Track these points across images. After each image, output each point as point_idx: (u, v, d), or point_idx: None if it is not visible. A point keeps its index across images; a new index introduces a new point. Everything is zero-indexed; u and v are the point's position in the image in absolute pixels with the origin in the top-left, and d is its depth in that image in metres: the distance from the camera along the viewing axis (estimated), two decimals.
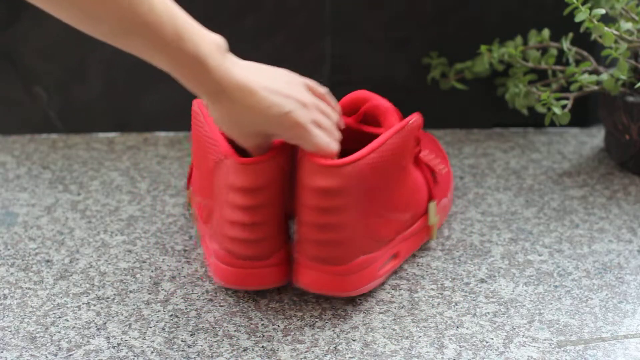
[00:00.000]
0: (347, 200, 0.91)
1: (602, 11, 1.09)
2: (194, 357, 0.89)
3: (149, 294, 0.97)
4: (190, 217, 1.07)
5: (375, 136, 1.01)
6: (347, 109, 1.01)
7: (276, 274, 0.95)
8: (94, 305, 0.95)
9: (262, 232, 0.92)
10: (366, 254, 0.94)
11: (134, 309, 0.95)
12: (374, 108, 0.99)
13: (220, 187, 0.92)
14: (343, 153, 1.05)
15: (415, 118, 0.96)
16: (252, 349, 0.90)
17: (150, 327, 0.93)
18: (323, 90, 0.95)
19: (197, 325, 0.93)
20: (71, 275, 1.00)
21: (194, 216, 1.04)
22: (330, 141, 0.91)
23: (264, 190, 0.91)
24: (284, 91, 0.89)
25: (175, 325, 0.93)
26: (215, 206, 0.94)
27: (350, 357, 0.89)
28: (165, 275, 1.00)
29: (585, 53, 1.19)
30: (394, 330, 0.93)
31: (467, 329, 0.93)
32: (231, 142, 1.03)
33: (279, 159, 0.92)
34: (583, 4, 1.18)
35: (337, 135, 0.93)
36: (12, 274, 1.00)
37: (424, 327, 0.93)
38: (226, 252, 0.94)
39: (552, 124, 1.28)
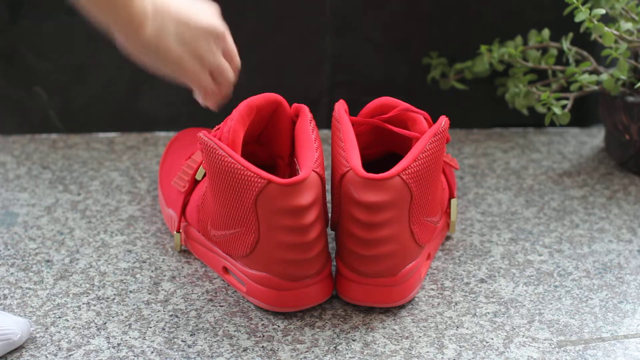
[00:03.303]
0: (395, 213, 0.91)
1: (602, 11, 1.09)
2: (194, 357, 0.89)
3: (149, 294, 0.97)
4: (175, 248, 1.04)
5: (401, 136, 1.00)
6: (374, 114, 1.00)
7: (326, 288, 0.94)
8: (94, 305, 0.95)
9: (316, 249, 0.91)
10: (411, 262, 0.94)
11: (134, 309, 0.95)
12: (403, 113, 0.98)
13: (267, 213, 0.89)
14: (369, 153, 1.04)
15: (445, 120, 0.95)
16: (252, 349, 0.90)
17: (150, 327, 0.93)
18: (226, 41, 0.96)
19: (197, 325, 0.93)
20: (71, 275, 1.00)
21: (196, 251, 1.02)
22: (206, 99, 0.96)
23: (313, 207, 0.90)
24: (191, 43, 0.91)
25: (175, 325, 0.93)
26: (260, 234, 0.91)
27: (350, 357, 0.89)
28: (165, 275, 1.00)
29: (585, 53, 1.19)
30: (394, 330, 0.93)
31: (467, 329, 0.93)
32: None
33: (320, 170, 0.91)
34: (583, 4, 1.18)
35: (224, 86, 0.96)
36: (12, 274, 1.00)
37: (424, 327, 0.93)
38: (279, 277, 0.92)
39: (552, 124, 1.27)
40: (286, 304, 0.93)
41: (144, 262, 1.02)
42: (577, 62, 1.23)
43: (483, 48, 1.20)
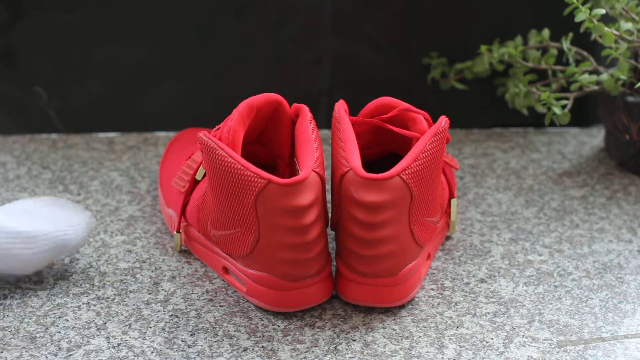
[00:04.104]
0: (395, 213, 0.90)
1: (602, 11, 1.09)
2: (194, 357, 0.89)
3: (149, 294, 0.97)
4: (175, 248, 1.04)
5: (401, 136, 1.00)
6: (374, 114, 1.00)
7: (326, 288, 0.94)
8: (94, 305, 0.95)
9: (316, 249, 0.91)
10: (411, 262, 0.94)
11: (134, 309, 0.95)
12: (403, 113, 0.98)
13: (267, 213, 0.89)
14: (369, 153, 1.05)
15: (445, 120, 0.95)
16: (252, 349, 0.90)
17: (150, 327, 0.93)
18: None
19: (197, 325, 0.93)
20: (71, 275, 1.00)
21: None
22: None
23: (313, 207, 0.90)
24: None
25: (175, 325, 0.93)
26: (260, 234, 0.91)
27: (350, 357, 0.89)
28: (165, 275, 1.00)
29: (585, 53, 1.19)
30: (394, 330, 0.93)
31: (467, 329, 0.93)
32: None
33: (320, 170, 0.91)
34: (583, 4, 1.18)
35: None
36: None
37: (424, 327, 0.93)
38: (278, 277, 0.92)
39: (552, 124, 1.28)
40: (286, 304, 0.93)
41: (144, 262, 1.02)
42: (577, 62, 1.23)
43: (483, 48, 1.20)
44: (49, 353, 0.89)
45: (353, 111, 1.15)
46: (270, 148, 1.02)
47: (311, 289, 0.93)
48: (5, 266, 0.95)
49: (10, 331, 0.92)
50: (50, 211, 0.97)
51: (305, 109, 0.99)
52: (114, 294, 0.97)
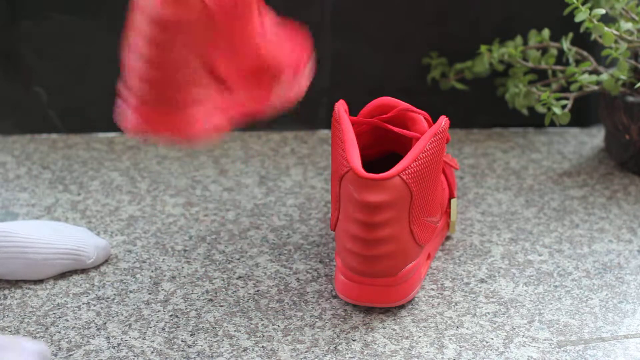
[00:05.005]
0: (395, 213, 0.91)
1: (602, 11, 1.09)
2: (194, 357, 0.89)
3: (149, 294, 0.97)
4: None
5: (401, 136, 1.00)
6: (374, 114, 1.01)
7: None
8: (94, 305, 0.95)
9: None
10: (411, 262, 0.94)
11: (134, 309, 0.95)
12: (403, 113, 0.98)
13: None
14: (369, 153, 1.05)
15: (445, 120, 0.96)
16: (252, 349, 0.90)
17: (150, 327, 0.93)
18: None
19: (197, 325, 0.93)
20: (71, 275, 1.00)
21: None
22: None
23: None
24: None
25: (175, 325, 0.93)
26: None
27: (350, 357, 0.89)
28: (165, 275, 1.00)
29: (585, 53, 1.19)
30: (394, 330, 0.93)
31: (467, 329, 0.93)
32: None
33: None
34: (583, 4, 1.18)
35: None
36: None
37: (424, 327, 0.93)
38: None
39: (552, 124, 1.28)
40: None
41: (144, 262, 1.02)
42: (577, 62, 1.23)
43: (483, 48, 1.20)
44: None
45: (353, 111, 1.15)
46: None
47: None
48: (8, 269, 0.96)
49: (10, 331, 0.92)
50: (72, 231, 1.01)
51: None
52: (114, 294, 0.97)
